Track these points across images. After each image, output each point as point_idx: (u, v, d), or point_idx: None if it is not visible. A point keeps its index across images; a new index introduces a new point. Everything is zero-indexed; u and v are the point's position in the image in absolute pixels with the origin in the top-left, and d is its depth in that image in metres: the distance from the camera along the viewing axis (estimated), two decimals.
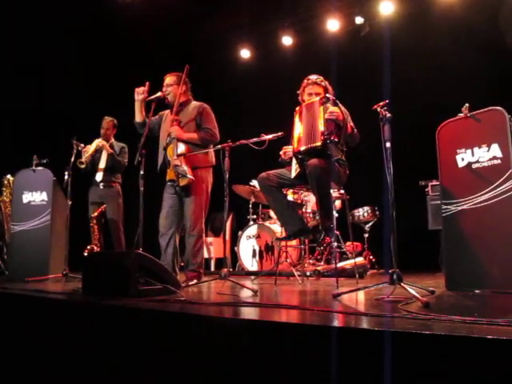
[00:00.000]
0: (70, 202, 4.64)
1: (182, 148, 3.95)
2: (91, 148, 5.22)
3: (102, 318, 2.37)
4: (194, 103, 4.24)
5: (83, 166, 5.09)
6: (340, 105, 3.44)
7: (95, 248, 5.05)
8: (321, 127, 3.45)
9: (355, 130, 3.59)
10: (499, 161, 2.79)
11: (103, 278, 2.86)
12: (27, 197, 4.85)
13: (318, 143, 3.44)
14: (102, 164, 5.32)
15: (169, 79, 4.25)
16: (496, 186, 2.76)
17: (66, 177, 4.61)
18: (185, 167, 3.92)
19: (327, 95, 3.55)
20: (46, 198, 4.82)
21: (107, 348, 2.24)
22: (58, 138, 5.52)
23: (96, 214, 5.12)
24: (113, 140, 5.53)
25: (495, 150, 2.80)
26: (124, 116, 5.44)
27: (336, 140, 3.45)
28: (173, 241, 4.09)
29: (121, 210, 5.42)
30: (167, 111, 4.29)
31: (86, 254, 4.87)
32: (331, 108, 3.44)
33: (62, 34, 6.30)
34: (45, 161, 4.85)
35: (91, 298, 2.71)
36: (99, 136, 5.41)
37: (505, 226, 2.72)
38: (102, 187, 5.34)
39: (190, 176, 3.90)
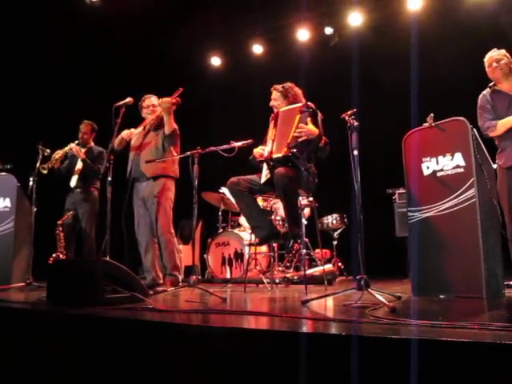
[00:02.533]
0: (35, 209, 4.52)
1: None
2: (60, 152, 5.11)
3: (67, 327, 2.31)
4: None
5: (45, 172, 4.95)
6: (319, 116, 3.47)
7: (61, 256, 4.92)
8: (288, 138, 3.48)
9: (328, 145, 3.60)
10: (462, 169, 2.87)
11: (69, 286, 2.79)
12: None
13: (279, 154, 3.49)
14: (77, 169, 5.21)
15: (155, 100, 4.44)
16: (459, 194, 2.84)
17: (31, 183, 4.50)
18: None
19: (309, 103, 3.58)
20: (9, 205, 4.68)
21: (73, 358, 2.19)
22: (23, 143, 5.38)
23: (61, 221, 5.00)
24: (92, 144, 5.42)
25: (458, 159, 2.89)
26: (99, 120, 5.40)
27: (297, 155, 3.45)
28: (150, 246, 4.17)
29: (94, 217, 5.27)
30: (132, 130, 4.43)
31: (51, 262, 4.74)
32: (303, 127, 3.45)
33: (27, 37, 6.16)
34: (8, 166, 4.73)
35: (56, 307, 2.65)
36: (70, 141, 5.29)
37: (466, 232, 2.79)
38: (77, 193, 5.22)
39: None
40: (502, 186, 3.65)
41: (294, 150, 3.44)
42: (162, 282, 4.22)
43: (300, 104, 3.64)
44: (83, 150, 5.26)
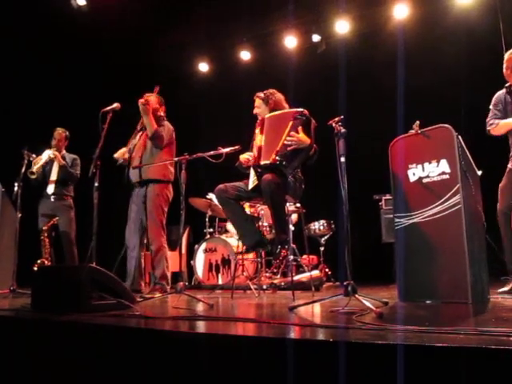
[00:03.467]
0: (19, 215, 4.47)
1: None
2: (43, 159, 5.07)
3: (52, 334, 2.28)
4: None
5: (34, 177, 4.93)
6: (313, 124, 3.47)
7: (46, 262, 4.87)
8: (278, 145, 3.46)
9: (316, 153, 3.59)
10: (447, 176, 2.90)
11: (54, 293, 2.75)
12: None
13: (267, 161, 3.48)
14: (54, 176, 5.17)
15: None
16: (444, 200, 2.87)
17: (16, 188, 4.45)
18: None
19: (304, 111, 3.51)
20: None
21: (58, 366, 2.16)
22: (7, 148, 5.32)
23: (47, 226, 4.95)
24: (64, 152, 5.39)
25: (444, 166, 2.92)
26: (76, 127, 5.38)
27: (284, 164, 3.44)
28: (136, 252, 4.18)
29: (73, 223, 5.27)
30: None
31: (35, 268, 4.69)
32: (295, 135, 3.44)
33: (13, 41, 6.11)
34: None
35: (41, 314, 2.61)
36: (50, 147, 5.26)
37: (452, 238, 2.82)
38: (53, 200, 5.18)
39: None
40: (504, 184, 3.65)
41: (281, 159, 3.42)
42: (141, 288, 4.27)
43: (293, 110, 3.60)
44: None
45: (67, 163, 5.25)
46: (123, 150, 4.43)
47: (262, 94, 3.88)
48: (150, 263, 4.42)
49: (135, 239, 4.24)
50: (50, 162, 5.19)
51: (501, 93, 3.76)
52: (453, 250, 2.80)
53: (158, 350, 1.86)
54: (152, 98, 4.28)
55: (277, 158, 3.43)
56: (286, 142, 3.44)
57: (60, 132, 5.39)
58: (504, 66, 3.68)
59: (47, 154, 5.13)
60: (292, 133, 3.45)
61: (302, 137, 3.46)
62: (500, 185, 3.69)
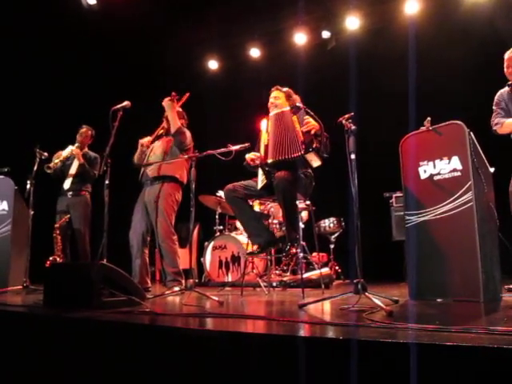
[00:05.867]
0: (32, 212, 4.51)
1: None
2: (63, 154, 5.14)
3: (64, 330, 2.30)
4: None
5: (50, 171, 4.99)
6: (312, 113, 3.47)
7: (58, 259, 4.91)
8: (300, 137, 3.46)
9: (328, 139, 3.59)
10: (459, 173, 2.88)
11: (66, 289, 2.78)
12: None
13: (298, 153, 3.45)
14: (73, 170, 5.22)
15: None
16: (456, 198, 2.85)
17: (29, 186, 4.50)
18: None
19: (298, 104, 3.56)
20: (6, 208, 4.68)
21: (70, 362, 2.18)
22: (20, 146, 5.37)
23: (58, 224, 4.99)
24: (87, 149, 5.44)
25: (455, 163, 2.89)
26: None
27: (317, 147, 3.45)
28: (140, 253, 4.23)
29: (88, 220, 5.29)
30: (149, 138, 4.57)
31: (48, 265, 4.73)
32: (305, 118, 3.46)
33: (25, 41, 6.16)
34: (6, 169, 4.72)
35: (53, 310, 2.64)
36: (68, 144, 5.31)
37: (464, 236, 2.80)
38: (70, 196, 5.23)
39: None
40: None
41: (314, 146, 3.43)
42: (149, 286, 4.33)
43: (287, 108, 3.64)
44: None
45: (90, 161, 5.30)
46: (143, 140, 4.52)
47: (284, 88, 3.86)
48: (159, 260, 4.46)
49: (139, 239, 4.29)
50: (71, 158, 5.26)
51: (503, 91, 3.75)
52: (464, 248, 2.78)
53: (168, 346, 1.87)
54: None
55: (306, 147, 3.42)
56: (305, 130, 3.45)
57: (86, 130, 5.46)
58: (505, 64, 3.68)
59: (69, 149, 5.19)
60: (306, 119, 3.47)
61: (313, 122, 3.46)
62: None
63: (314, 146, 3.44)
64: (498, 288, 2.90)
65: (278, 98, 3.80)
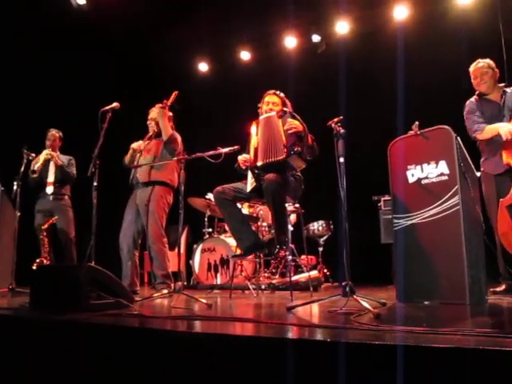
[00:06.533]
0: (18, 214, 4.47)
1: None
2: (41, 158, 5.08)
3: (50, 333, 2.28)
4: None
5: (36, 175, 4.95)
6: (298, 117, 3.49)
7: (45, 261, 4.87)
8: (282, 140, 3.49)
9: (315, 142, 3.62)
10: (446, 177, 2.91)
11: (53, 292, 2.76)
12: None
13: (282, 156, 3.47)
14: (51, 177, 5.17)
15: (153, 113, 4.52)
16: (443, 201, 2.88)
17: (15, 187, 4.46)
18: None
19: (284, 108, 3.61)
20: None
21: (56, 365, 2.16)
22: (6, 147, 5.32)
23: (46, 225, 4.95)
24: (58, 153, 5.39)
25: (443, 167, 2.93)
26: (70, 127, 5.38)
27: (299, 150, 3.48)
28: (131, 255, 4.23)
29: (72, 223, 5.27)
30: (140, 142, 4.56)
31: (34, 267, 4.68)
32: (289, 120, 3.50)
33: (12, 40, 6.10)
34: None
35: (39, 313, 2.61)
36: (44, 148, 5.27)
37: (450, 239, 2.83)
38: (51, 199, 5.18)
39: None
40: (490, 193, 3.69)
41: (295, 149, 3.46)
42: (137, 288, 4.31)
43: (273, 113, 3.66)
44: None
45: (65, 163, 5.26)
46: (134, 145, 4.49)
47: (281, 94, 3.87)
48: (149, 263, 4.44)
49: (130, 241, 4.28)
50: (46, 163, 5.19)
51: (473, 100, 3.86)
52: (451, 251, 2.81)
53: (157, 349, 1.87)
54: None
55: (288, 150, 3.45)
56: (286, 128, 3.49)
57: (54, 133, 5.39)
58: (472, 77, 3.86)
59: (44, 153, 5.14)
60: (289, 120, 3.52)
61: (297, 123, 3.48)
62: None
63: (296, 149, 3.46)
64: (483, 291, 2.93)
65: (277, 104, 3.80)
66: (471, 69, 3.88)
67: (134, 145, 4.51)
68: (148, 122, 4.58)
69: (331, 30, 6.91)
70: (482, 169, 3.81)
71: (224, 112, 7.21)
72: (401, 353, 1.36)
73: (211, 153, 3.54)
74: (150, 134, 4.55)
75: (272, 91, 3.88)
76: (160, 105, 4.22)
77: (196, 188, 5.41)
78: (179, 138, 4.45)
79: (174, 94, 4.11)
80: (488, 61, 3.83)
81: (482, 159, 3.84)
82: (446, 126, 2.97)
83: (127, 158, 4.52)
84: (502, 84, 3.85)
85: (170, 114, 4.48)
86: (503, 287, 3.64)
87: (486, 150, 3.78)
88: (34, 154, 4.87)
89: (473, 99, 3.85)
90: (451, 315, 2.43)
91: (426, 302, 2.86)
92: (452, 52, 5.61)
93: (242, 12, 6.63)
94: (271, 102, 3.81)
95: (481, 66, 3.80)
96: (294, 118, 3.51)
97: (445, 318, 2.37)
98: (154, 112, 4.53)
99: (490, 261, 3.32)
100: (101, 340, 2.06)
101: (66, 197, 5.30)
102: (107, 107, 3.96)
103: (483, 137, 3.68)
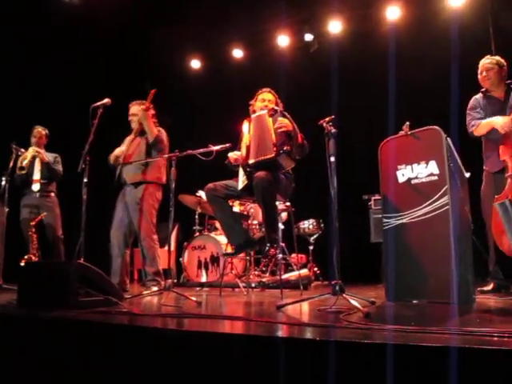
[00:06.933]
0: (7, 209, 4.43)
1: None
2: (28, 155, 5.04)
3: (38, 331, 2.27)
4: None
5: (24, 172, 4.90)
6: (288, 116, 3.50)
7: (33, 258, 4.83)
8: (272, 139, 3.50)
9: (305, 141, 3.62)
10: (436, 177, 2.93)
11: (41, 288, 2.74)
12: None
13: (271, 155, 3.48)
14: (37, 175, 5.13)
15: (134, 109, 4.47)
16: (433, 201, 2.90)
17: (4, 183, 4.42)
18: None
19: (275, 107, 3.63)
20: None
21: (44, 362, 2.15)
22: None
23: (35, 221, 4.91)
24: (44, 150, 5.35)
25: (433, 167, 2.95)
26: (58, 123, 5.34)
27: (288, 149, 3.48)
28: (121, 252, 4.22)
29: (59, 219, 5.24)
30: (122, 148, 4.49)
31: (22, 263, 4.64)
32: (280, 119, 3.50)
33: (2, 35, 6.03)
34: None
35: (27, 309, 2.59)
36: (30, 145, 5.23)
37: (439, 239, 2.85)
38: (38, 196, 5.14)
39: None
40: (486, 191, 3.71)
41: (284, 148, 3.46)
42: (127, 286, 4.31)
43: (265, 111, 3.67)
44: None
45: (50, 161, 5.22)
46: (117, 151, 4.41)
47: (274, 93, 3.88)
48: (139, 260, 4.43)
49: (120, 238, 4.26)
50: (32, 161, 5.14)
51: (478, 97, 3.86)
52: (440, 251, 2.83)
53: (146, 347, 1.86)
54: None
55: (278, 149, 3.46)
56: (276, 127, 3.50)
57: (39, 130, 5.35)
58: (479, 70, 3.84)
59: (31, 150, 5.10)
60: (279, 118, 3.53)
61: (286, 122, 3.50)
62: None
63: (285, 148, 3.47)
64: (471, 290, 2.96)
65: (272, 102, 3.81)
66: (480, 64, 3.84)
67: (117, 151, 4.45)
68: (130, 119, 4.53)
69: (324, 29, 6.91)
70: (484, 167, 3.81)
71: (216, 109, 7.20)
72: (390, 351, 1.36)
73: (202, 150, 3.53)
74: (134, 131, 4.49)
75: (267, 89, 3.89)
76: (142, 107, 4.22)
77: (187, 185, 5.39)
78: (164, 135, 4.43)
79: (152, 92, 4.09)
80: (497, 58, 3.81)
81: (484, 158, 3.84)
82: (436, 127, 2.99)
83: (112, 157, 4.46)
84: (510, 81, 3.81)
85: (153, 112, 4.46)
86: (491, 286, 3.67)
87: (487, 147, 3.78)
88: (23, 150, 4.82)
89: (477, 96, 3.85)
90: (439, 314, 2.45)
91: (414, 301, 2.87)
92: (443, 53, 5.63)
93: (235, 10, 6.61)
94: (267, 99, 3.82)
95: (487, 62, 3.78)
96: (284, 116, 3.52)
97: (433, 317, 2.39)
98: (134, 107, 4.49)
99: (477, 260, 3.35)
100: (89, 338, 2.05)
101: (53, 194, 5.27)
102: (98, 103, 3.94)
103: (479, 132, 3.69)
